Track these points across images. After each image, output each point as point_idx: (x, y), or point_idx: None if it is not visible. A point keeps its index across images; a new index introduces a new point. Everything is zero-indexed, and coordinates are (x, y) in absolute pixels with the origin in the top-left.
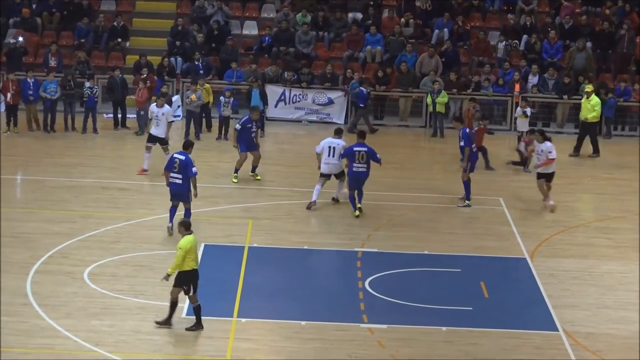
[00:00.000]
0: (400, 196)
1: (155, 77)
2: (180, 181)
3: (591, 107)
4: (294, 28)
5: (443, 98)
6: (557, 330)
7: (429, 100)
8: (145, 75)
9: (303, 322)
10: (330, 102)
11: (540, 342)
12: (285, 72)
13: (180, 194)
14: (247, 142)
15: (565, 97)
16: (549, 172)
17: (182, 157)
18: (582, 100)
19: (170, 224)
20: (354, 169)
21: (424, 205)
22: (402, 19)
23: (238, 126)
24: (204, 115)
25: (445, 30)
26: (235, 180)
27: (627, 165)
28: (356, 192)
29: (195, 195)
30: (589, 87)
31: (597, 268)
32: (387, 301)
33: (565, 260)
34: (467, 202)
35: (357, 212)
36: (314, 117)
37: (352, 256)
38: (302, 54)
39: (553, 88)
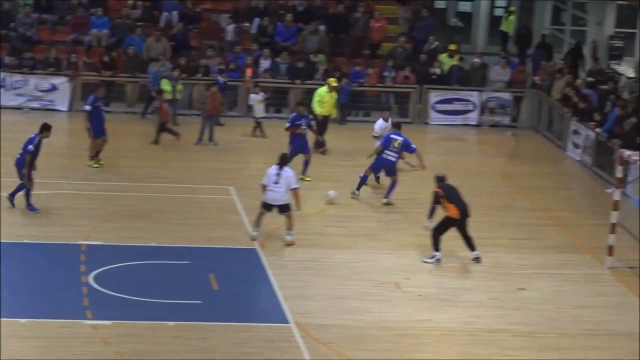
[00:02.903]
0: (129, 186)
1: None
2: None
3: (335, 102)
4: (16, 10)
5: (181, 85)
6: (288, 322)
7: (167, 87)
8: None
9: (23, 320)
10: (54, 88)
11: (271, 335)
12: (6, 57)
13: None
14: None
15: (298, 81)
16: None
17: None
18: (323, 94)
19: None
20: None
21: (152, 195)
22: (130, 1)
23: None
24: None
25: (174, 12)
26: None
27: (363, 152)
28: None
29: None
30: (333, 81)
31: (330, 258)
32: (113, 296)
33: (297, 250)
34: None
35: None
36: (36, 104)
37: (75, 250)
38: (24, 38)
39: (286, 72)
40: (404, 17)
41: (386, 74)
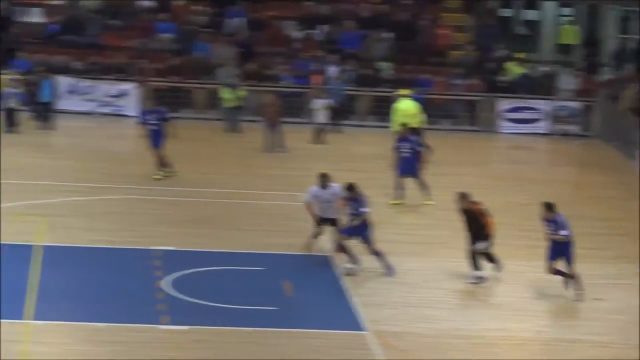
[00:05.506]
0: (198, 192)
1: None
2: None
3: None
4: (84, 15)
5: (241, 92)
6: (362, 329)
7: (227, 95)
8: None
9: (99, 324)
10: (123, 93)
11: (346, 342)
12: (75, 62)
13: None
14: None
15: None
16: None
17: None
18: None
19: None
20: None
21: (222, 202)
22: (195, 7)
23: None
24: None
25: (240, 19)
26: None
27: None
28: None
29: None
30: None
31: (401, 265)
32: (188, 301)
33: (369, 258)
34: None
35: None
36: (106, 110)
37: (150, 255)
38: (93, 43)
39: (352, 80)
40: (470, 25)
41: (455, 82)
